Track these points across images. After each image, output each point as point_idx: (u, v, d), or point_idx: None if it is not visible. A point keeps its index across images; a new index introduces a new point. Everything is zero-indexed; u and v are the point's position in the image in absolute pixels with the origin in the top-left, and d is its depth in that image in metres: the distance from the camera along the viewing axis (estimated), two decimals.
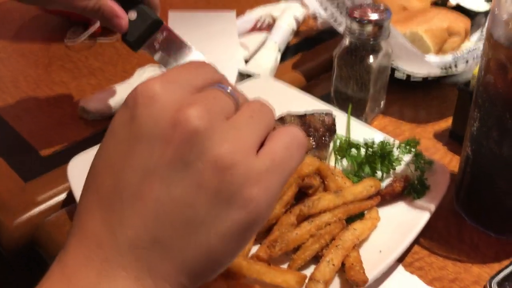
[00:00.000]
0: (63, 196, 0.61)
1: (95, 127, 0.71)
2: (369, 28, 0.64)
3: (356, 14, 0.64)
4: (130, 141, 0.29)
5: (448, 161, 0.64)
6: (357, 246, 0.48)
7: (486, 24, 0.49)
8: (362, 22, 0.64)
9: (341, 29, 0.72)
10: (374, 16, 0.63)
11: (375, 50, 0.66)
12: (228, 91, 0.32)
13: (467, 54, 0.70)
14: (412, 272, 0.50)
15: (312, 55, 0.88)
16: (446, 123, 0.71)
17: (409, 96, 0.77)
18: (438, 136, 0.69)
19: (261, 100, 0.34)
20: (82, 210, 0.31)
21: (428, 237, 0.54)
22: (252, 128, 0.31)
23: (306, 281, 0.45)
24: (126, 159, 0.29)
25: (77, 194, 0.53)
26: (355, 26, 0.64)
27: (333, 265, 0.45)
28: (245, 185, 0.29)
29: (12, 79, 0.82)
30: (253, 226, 0.30)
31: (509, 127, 0.47)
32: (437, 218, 0.56)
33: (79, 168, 0.57)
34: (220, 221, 0.29)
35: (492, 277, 0.49)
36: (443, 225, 0.56)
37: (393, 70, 0.74)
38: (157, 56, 0.65)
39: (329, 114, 0.64)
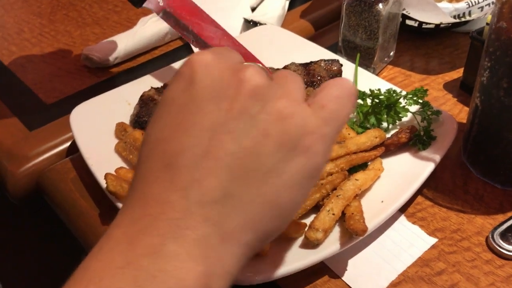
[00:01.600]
0: (67, 144, 0.61)
1: (98, 76, 0.70)
2: None
3: None
4: (195, 103, 0.30)
5: (457, 112, 0.63)
6: (358, 196, 0.48)
7: None
8: None
9: None
10: None
11: None
12: (260, 66, 0.33)
13: (482, 0, 0.67)
14: (414, 223, 0.50)
15: (321, 3, 0.85)
16: (457, 74, 0.69)
17: (421, 45, 0.74)
18: (448, 86, 0.67)
19: (287, 70, 0.35)
20: (142, 180, 0.30)
21: (433, 188, 0.53)
22: (295, 85, 0.33)
23: (306, 229, 0.45)
24: (193, 119, 0.30)
25: (80, 142, 0.54)
26: None
27: (333, 214, 0.45)
28: (304, 133, 0.31)
29: (16, 29, 0.81)
30: (313, 173, 0.32)
31: None
32: (443, 169, 0.55)
33: (81, 117, 0.57)
34: (285, 169, 0.30)
35: (495, 228, 0.49)
36: (448, 176, 0.55)
37: (404, 17, 0.71)
38: (161, 15, 0.62)
39: (335, 62, 0.62)
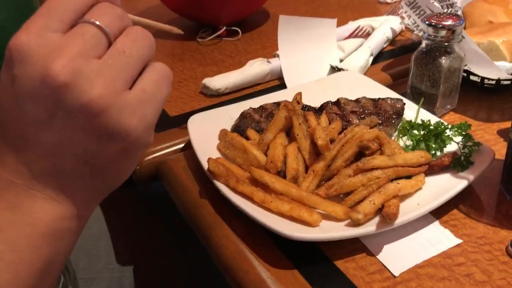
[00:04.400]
0: (181, 146, 0.80)
1: (211, 100, 0.90)
2: (443, 32, 0.75)
3: (433, 20, 0.76)
4: (17, 101, 0.34)
5: (504, 152, 0.72)
6: (398, 197, 0.60)
7: None
8: (437, 26, 0.75)
9: (420, 34, 0.83)
10: (447, 22, 0.74)
11: (447, 52, 0.76)
12: (99, 23, 0.35)
13: None
14: (445, 227, 0.61)
15: (402, 61, 1.00)
16: None
17: (484, 99, 0.85)
18: (502, 133, 0.77)
19: (140, 29, 0.37)
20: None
21: (468, 205, 0.64)
22: (124, 64, 0.35)
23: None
24: (20, 114, 0.35)
25: (194, 140, 0.71)
26: (431, 30, 0.76)
27: (374, 203, 0.57)
28: (122, 119, 0.34)
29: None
30: (136, 150, 0.37)
31: None
32: (480, 192, 0.66)
33: (196, 123, 0.76)
34: (109, 151, 0.36)
35: None
36: (484, 198, 0.65)
37: (468, 74, 0.83)
38: None
39: (399, 101, 0.75)
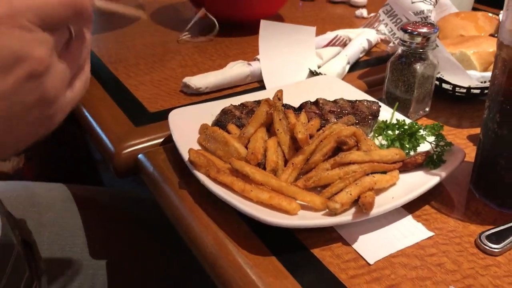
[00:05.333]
0: (160, 140, 0.80)
1: (191, 99, 0.91)
2: (418, 39, 0.78)
3: (409, 27, 0.79)
4: None
5: (473, 155, 0.75)
6: (374, 190, 0.62)
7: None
8: (412, 33, 0.78)
9: (396, 41, 0.86)
10: (423, 30, 0.78)
11: (422, 59, 0.80)
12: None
13: None
14: (418, 221, 0.63)
15: (377, 70, 1.03)
16: None
17: (454, 107, 0.89)
18: (472, 138, 0.80)
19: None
20: None
21: (440, 201, 0.66)
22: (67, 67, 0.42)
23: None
24: None
25: (175, 133, 0.72)
26: (406, 37, 0.79)
27: (351, 194, 0.59)
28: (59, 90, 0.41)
29: (134, 62, 1.06)
30: (48, 123, 0.43)
31: (507, 111, 0.59)
32: (451, 190, 0.68)
33: (177, 116, 0.76)
34: (34, 112, 0.41)
35: (483, 232, 0.60)
36: (455, 195, 0.67)
37: (441, 82, 0.87)
38: None
39: (375, 103, 0.78)
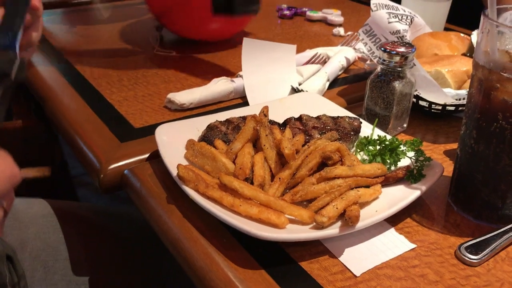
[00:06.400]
0: (146, 155, 0.81)
1: (175, 115, 0.92)
2: (397, 58, 0.81)
3: (388, 47, 0.82)
4: None
5: (451, 170, 0.79)
6: (359, 203, 0.64)
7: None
8: (391, 53, 0.82)
9: (375, 60, 0.90)
10: (401, 49, 0.81)
11: (400, 77, 0.83)
12: None
13: None
14: (400, 234, 0.65)
15: (355, 88, 1.07)
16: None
17: (431, 123, 0.93)
18: (448, 154, 0.84)
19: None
20: None
21: (420, 214, 0.69)
22: None
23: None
24: None
25: (162, 148, 0.73)
26: (385, 56, 0.82)
27: (337, 208, 0.61)
28: None
29: (117, 78, 1.07)
30: None
31: (483, 128, 0.62)
32: (431, 203, 0.71)
33: (163, 132, 0.77)
34: None
35: (462, 243, 0.63)
36: (434, 209, 0.70)
37: (418, 99, 0.90)
38: None
39: (357, 119, 0.81)
